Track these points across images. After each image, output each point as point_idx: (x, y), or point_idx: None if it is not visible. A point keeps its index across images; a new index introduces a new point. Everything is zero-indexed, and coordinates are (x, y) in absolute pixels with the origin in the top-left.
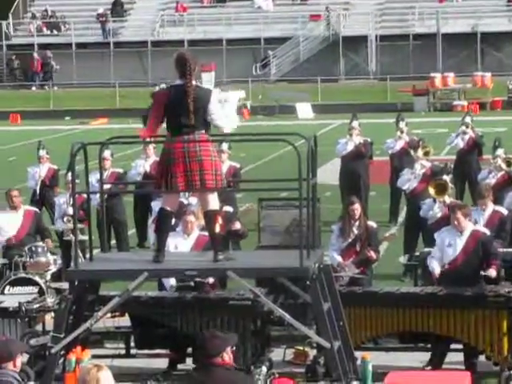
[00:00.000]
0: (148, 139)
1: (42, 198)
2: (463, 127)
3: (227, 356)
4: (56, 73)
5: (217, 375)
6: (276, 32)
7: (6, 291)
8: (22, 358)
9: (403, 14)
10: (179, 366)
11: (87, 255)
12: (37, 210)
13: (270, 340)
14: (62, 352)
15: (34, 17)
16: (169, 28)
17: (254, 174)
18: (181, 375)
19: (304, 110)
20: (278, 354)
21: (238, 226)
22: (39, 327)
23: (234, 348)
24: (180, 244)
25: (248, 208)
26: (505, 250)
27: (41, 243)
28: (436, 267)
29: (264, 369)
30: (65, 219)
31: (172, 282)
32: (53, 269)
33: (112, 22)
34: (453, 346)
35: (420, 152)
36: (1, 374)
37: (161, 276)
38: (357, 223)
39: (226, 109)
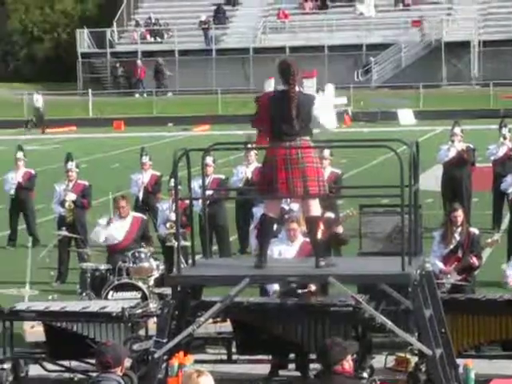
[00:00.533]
0: (249, 145)
1: (145, 205)
2: None
3: (347, 364)
4: (167, 79)
5: (336, 383)
6: (378, 38)
7: (109, 296)
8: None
9: (507, 20)
10: (281, 372)
11: (189, 261)
12: (144, 216)
13: (371, 347)
14: (165, 357)
15: (137, 24)
16: (271, 35)
17: (356, 180)
18: (282, 381)
19: (406, 116)
20: (379, 360)
21: (339, 232)
22: (142, 332)
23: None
24: (284, 251)
25: (348, 214)
26: None
27: (144, 249)
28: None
29: (365, 375)
30: (167, 225)
31: (276, 287)
32: (156, 274)
33: (214, 29)
34: None
35: None
36: (106, 378)
37: (262, 282)
38: (459, 230)
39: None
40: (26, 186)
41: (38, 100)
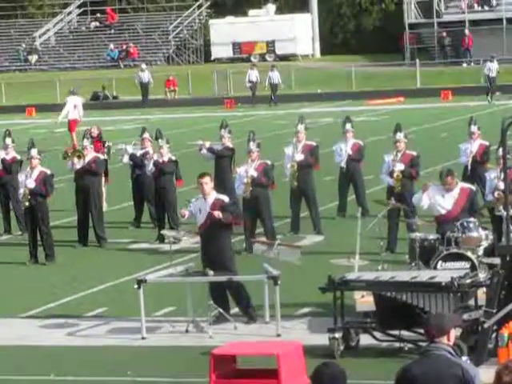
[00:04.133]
0: None
1: (474, 174)
2: None
3: None
4: None
5: None
6: None
7: (438, 266)
8: (455, 332)
9: None
10: None
11: None
12: (472, 187)
13: None
14: (495, 327)
15: None
16: None
17: None
18: None
19: None
20: None
21: None
22: (471, 302)
23: None
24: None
25: None
26: None
27: (472, 219)
28: None
29: None
30: (495, 194)
31: None
32: (484, 244)
33: None
34: None
35: None
36: (435, 347)
37: None
38: None
39: None
40: (356, 157)
41: (491, 69)
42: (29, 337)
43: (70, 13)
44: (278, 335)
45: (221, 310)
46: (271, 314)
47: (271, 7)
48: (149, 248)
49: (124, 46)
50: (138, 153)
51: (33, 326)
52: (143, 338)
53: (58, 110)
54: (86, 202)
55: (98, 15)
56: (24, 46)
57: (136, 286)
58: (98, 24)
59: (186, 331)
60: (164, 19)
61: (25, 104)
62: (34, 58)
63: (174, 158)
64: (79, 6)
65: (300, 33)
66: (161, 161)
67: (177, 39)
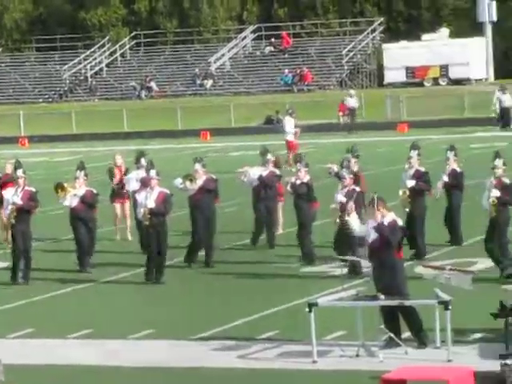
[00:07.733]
0: None
1: None
2: None
3: None
4: None
5: None
6: None
7: None
8: None
9: None
10: None
11: None
12: None
13: None
14: None
15: None
16: None
17: None
18: None
19: None
20: None
21: None
22: None
23: None
24: None
25: None
26: None
27: None
28: None
29: None
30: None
31: None
32: None
33: None
34: None
35: None
36: None
37: None
38: None
39: None
40: None
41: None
42: (200, 359)
43: (244, 38)
44: (449, 361)
45: (391, 335)
46: (442, 339)
47: (445, 31)
48: (318, 271)
49: (298, 71)
50: None
51: (203, 349)
52: (314, 362)
53: (232, 134)
54: None
55: (273, 40)
56: (199, 70)
57: (307, 310)
58: (272, 49)
59: (357, 355)
60: (337, 43)
61: (200, 128)
62: (209, 82)
63: None
64: (254, 31)
65: (474, 57)
66: None
67: (350, 63)
